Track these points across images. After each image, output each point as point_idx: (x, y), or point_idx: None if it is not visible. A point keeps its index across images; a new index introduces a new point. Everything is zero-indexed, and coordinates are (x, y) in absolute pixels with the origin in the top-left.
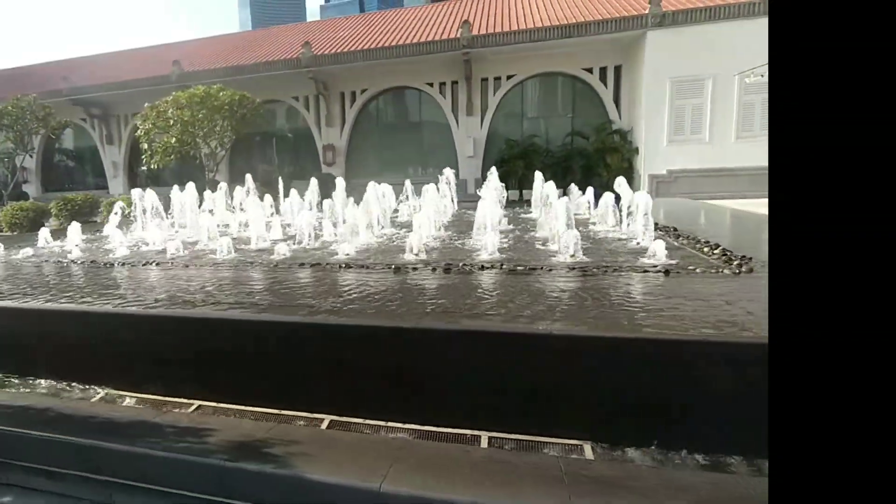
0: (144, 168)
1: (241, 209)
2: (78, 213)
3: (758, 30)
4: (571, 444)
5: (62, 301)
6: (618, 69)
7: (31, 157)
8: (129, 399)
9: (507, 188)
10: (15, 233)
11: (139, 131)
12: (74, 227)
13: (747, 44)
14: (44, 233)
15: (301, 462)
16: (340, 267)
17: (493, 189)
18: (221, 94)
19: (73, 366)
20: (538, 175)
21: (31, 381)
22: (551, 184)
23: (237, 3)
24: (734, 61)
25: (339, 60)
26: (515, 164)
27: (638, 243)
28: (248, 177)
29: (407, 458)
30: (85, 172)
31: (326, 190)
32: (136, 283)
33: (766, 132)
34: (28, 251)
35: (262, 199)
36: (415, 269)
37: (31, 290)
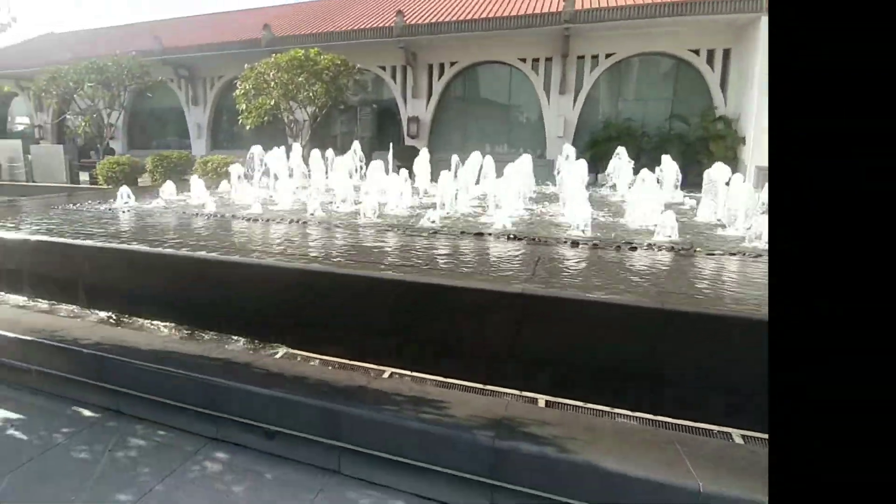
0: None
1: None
2: (173, 170)
3: None
4: None
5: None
6: (727, 52)
7: (120, 114)
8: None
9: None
10: (110, 186)
11: (237, 91)
12: (198, 183)
13: None
14: (169, 187)
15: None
16: (509, 238)
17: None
18: (321, 58)
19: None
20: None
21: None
22: (719, 165)
23: None
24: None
25: (433, 31)
26: (607, 147)
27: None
28: (356, 145)
29: (697, 456)
30: (168, 132)
31: (409, 162)
32: (308, 240)
33: None
34: (161, 202)
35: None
36: (589, 244)
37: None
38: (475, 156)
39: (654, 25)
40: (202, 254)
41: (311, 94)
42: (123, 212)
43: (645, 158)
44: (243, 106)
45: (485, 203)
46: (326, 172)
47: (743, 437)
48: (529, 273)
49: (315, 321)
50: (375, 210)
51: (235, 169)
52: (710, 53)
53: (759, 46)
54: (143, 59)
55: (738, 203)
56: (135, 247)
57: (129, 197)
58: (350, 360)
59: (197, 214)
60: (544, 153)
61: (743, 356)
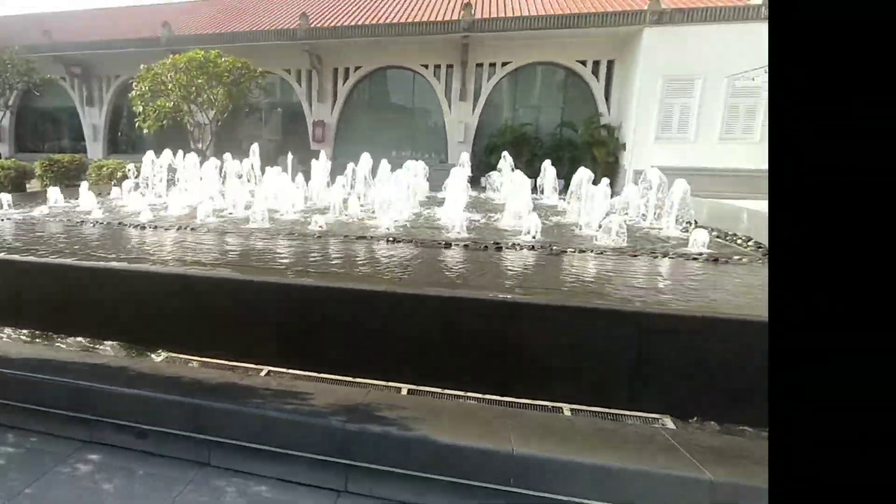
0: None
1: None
2: (64, 175)
3: (750, 33)
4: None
5: (134, 263)
6: (611, 63)
7: (4, 114)
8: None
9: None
10: None
11: (133, 93)
12: (86, 188)
13: (740, 47)
14: (54, 193)
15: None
16: (389, 241)
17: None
18: (222, 60)
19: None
20: (548, 163)
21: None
22: (583, 171)
23: None
24: (725, 63)
25: (337, 35)
26: (506, 150)
27: (675, 232)
28: (255, 148)
29: (522, 427)
30: (62, 134)
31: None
32: (189, 247)
33: (748, 135)
34: (44, 210)
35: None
36: (466, 245)
37: (89, 251)
38: (365, 158)
39: (546, 37)
40: (69, 261)
41: (211, 97)
42: None
43: (538, 163)
44: (140, 108)
45: (374, 207)
46: (223, 177)
47: (572, 410)
48: (401, 273)
49: (192, 324)
50: (265, 216)
51: (128, 174)
52: (596, 64)
53: (640, 58)
54: (30, 55)
55: (595, 206)
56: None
57: (7, 205)
58: (229, 360)
59: (82, 222)
60: (446, 157)
61: (578, 340)
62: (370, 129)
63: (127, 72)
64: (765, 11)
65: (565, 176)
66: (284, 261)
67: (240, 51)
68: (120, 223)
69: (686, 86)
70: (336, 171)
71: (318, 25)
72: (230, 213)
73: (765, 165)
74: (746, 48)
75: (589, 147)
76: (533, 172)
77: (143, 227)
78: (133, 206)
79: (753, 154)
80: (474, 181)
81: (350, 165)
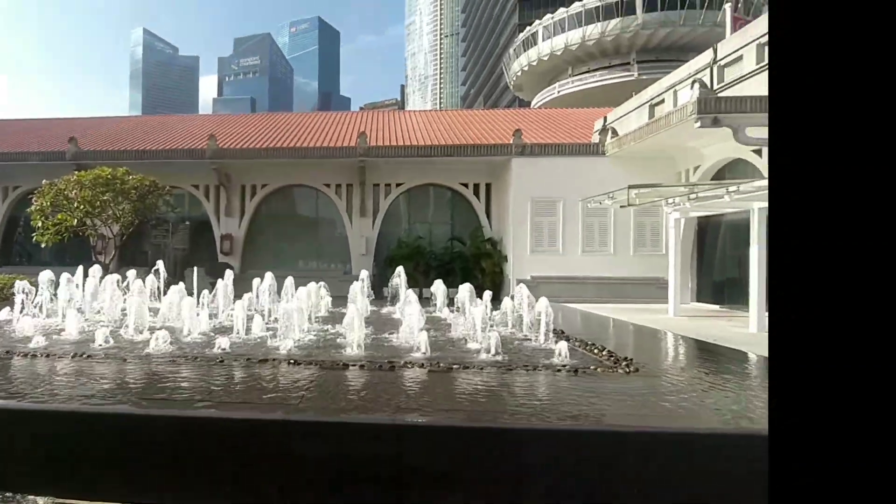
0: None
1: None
2: None
3: (594, 165)
4: None
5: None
6: (489, 186)
7: None
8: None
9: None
10: None
11: (33, 207)
12: None
13: (588, 175)
14: None
15: None
16: (290, 363)
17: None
18: (129, 177)
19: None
20: (439, 282)
21: None
22: (466, 286)
23: (128, 84)
24: (579, 188)
25: (245, 156)
26: (404, 264)
27: (542, 344)
28: (160, 265)
29: None
30: None
31: (221, 278)
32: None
33: (604, 248)
34: None
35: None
36: (362, 366)
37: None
38: (269, 277)
39: (433, 162)
40: None
41: (116, 213)
42: None
43: (433, 274)
44: (39, 223)
45: (278, 325)
46: (124, 295)
47: None
48: (296, 398)
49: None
50: (166, 339)
51: (19, 291)
52: (476, 186)
53: (511, 182)
54: None
55: (477, 321)
56: None
57: None
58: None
59: None
60: (351, 268)
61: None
62: (277, 241)
63: (27, 183)
64: (603, 148)
65: (458, 285)
66: (176, 389)
67: (149, 167)
68: (7, 351)
69: (551, 206)
70: (243, 283)
71: (227, 146)
72: (129, 337)
73: (618, 273)
74: (594, 176)
75: (477, 259)
76: (429, 283)
77: (34, 356)
78: (23, 329)
79: (609, 263)
80: (377, 291)
81: (255, 282)
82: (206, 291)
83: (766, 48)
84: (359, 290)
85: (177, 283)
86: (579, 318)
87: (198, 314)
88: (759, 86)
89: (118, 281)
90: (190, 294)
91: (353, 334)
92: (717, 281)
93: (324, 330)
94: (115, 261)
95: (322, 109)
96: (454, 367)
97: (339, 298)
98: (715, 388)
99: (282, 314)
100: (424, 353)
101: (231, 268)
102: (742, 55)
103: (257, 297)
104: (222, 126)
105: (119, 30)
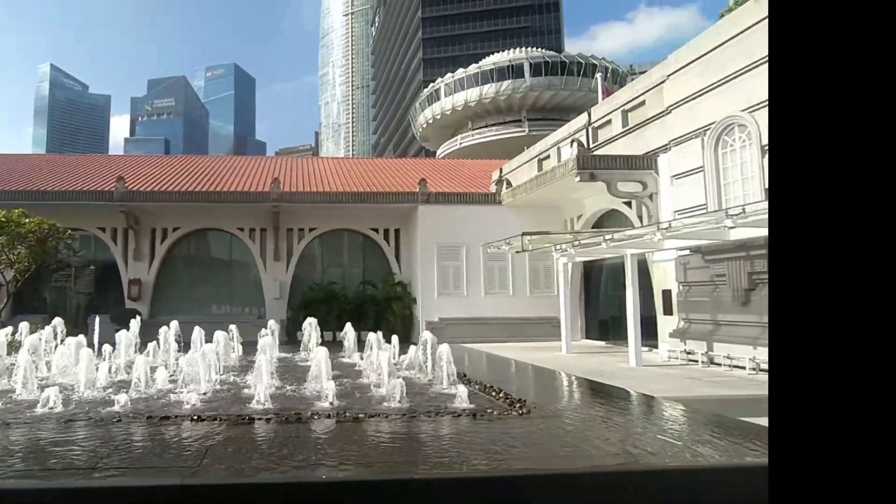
0: None
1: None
2: None
3: (493, 213)
4: None
5: None
6: (398, 231)
7: None
8: None
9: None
10: None
11: None
12: None
13: (488, 222)
14: None
15: None
16: (193, 419)
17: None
18: (26, 220)
19: None
20: (349, 326)
21: None
22: (373, 335)
23: (32, 119)
24: (480, 235)
25: (156, 199)
26: (318, 307)
27: (445, 389)
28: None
29: None
30: None
31: (127, 324)
32: None
33: (503, 290)
34: None
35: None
36: (269, 419)
37: None
38: (174, 325)
39: (344, 208)
40: None
41: (10, 258)
42: None
43: (346, 317)
44: None
45: (184, 378)
46: (11, 351)
47: None
48: (196, 463)
49: None
50: (58, 398)
51: None
52: (386, 232)
53: (418, 228)
54: None
55: (384, 367)
56: None
57: None
58: None
59: None
60: (264, 313)
61: None
62: (189, 285)
63: None
64: (499, 197)
65: (371, 327)
66: (66, 456)
67: (52, 208)
68: None
69: (455, 251)
70: (153, 329)
71: (138, 188)
72: (18, 396)
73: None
74: (493, 223)
75: (388, 302)
76: (342, 326)
77: None
78: None
79: (509, 304)
80: (291, 336)
81: (162, 330)
82: (107, 345)
83: (630, 114)
84: (268, 339)
85: (78, 332)
86: (482, 360)
87: (96, 367)
88: (625, 146)
89: (8, 334)
90: (91, 344)
91: (261, 386)
92: (603, 319)
93: (231, 381)
94: (7, 308)
95: (238, 153)
96: (360, 416)
97: (252, 344)
98: (598, 425)
99: (187, 365)
100: (332, 403)
101: (139, 314)
102: (611, 119)
103: (160, 346)
104: (133, 167)
105: (24, 66)
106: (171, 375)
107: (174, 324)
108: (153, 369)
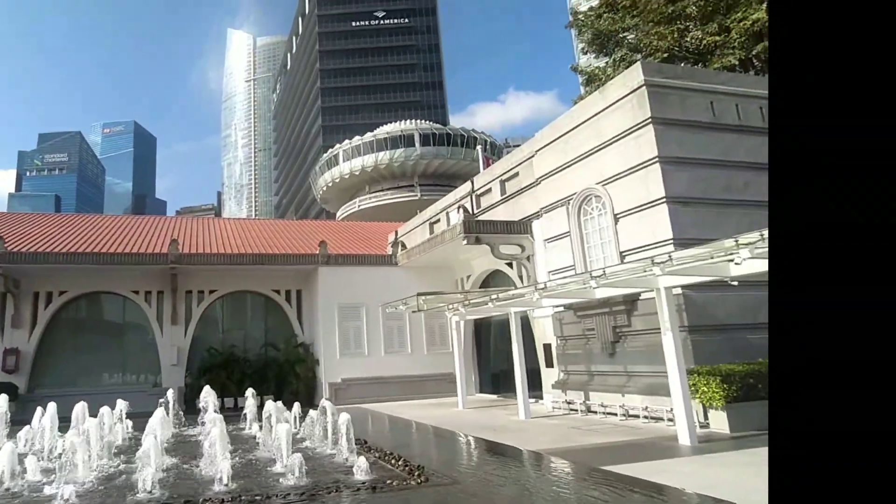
0: None
1: None
2: None
3: (390, 274)
4: None
5: None
6: (299, 292)
7: None
8: None
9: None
10: None
11: None
12: None
13: (386, 283)
14: None
15: None
16: None
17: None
18: None
19: None
20: (250, 392)
21: None
22: (271, 404)
23: None
24: (379, 295)
25: (39, 260)
26: (218, 373)
27: (346, 459)
28: None
29: None
30: None
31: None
32: None
33: (402, 349)
34: None
35: None
36: None
37: None
38: (52, 407)
39: (245, 270)
40: None
41: None
42: None
43: (248, 382)
44: None
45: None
46: None
47: None
48: None
49: None
50: None
51: None
52: (288, 293)
53: (319, 289)
54: None
55: (283, 441)
56: None
57: None
58: None
59: None
60: (161, 381)
61: None
62: (77, 354)
63: None
64: (395, 259)
65: (274, 390)
66: None
67: None
68: None
69: (355, 312)
70: (30, 406)
71: (18, 249)
72: None
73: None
74: (390, 284)
75: (291, 364)
76: (243, 391)
77: None
78: None
79: (409, 362)
80: (189, 404)
81: (38, 412)
82: None
83: (507, 184)
84: (159, 416)
85: None
86: (384, 423)
87: None
88: (504, 212)
89: None
90: None
91: (149, 470)
92: (495, 373)
93: (116, 466)
94: None
95: (136, 212)
96: (257, 498)
97: (145, 416)
98: (493, 488)
99: (64, 451)
100: (227, 485)
101: (15, 388)
102: (491, 188)
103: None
104: (15, 225)
105: None
106: (48, 461)
107: (52, 405)
108: (23, 456)
